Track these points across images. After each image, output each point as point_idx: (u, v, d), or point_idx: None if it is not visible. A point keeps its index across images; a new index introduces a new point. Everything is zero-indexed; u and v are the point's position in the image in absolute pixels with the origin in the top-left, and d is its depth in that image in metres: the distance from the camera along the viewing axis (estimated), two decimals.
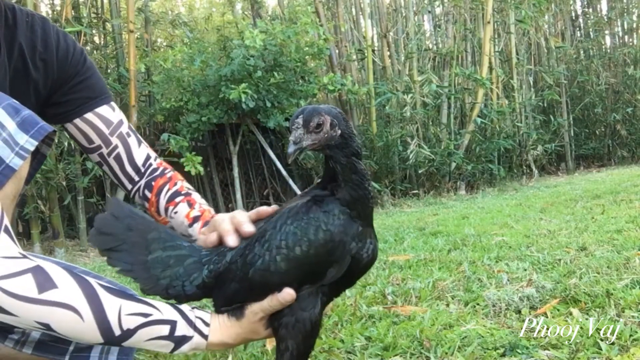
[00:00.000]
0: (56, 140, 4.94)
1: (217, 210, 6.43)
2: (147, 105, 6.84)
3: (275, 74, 5.69)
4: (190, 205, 1.35)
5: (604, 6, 10.49)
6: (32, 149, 0.98)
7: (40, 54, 1.30)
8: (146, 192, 1.40)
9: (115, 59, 6.33)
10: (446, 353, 1.50)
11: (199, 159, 5.39)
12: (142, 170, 1.43)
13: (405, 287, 2.15)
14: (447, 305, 1.92)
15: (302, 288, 1.04)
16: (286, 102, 5.95)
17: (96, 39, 6.49)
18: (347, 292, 2.19)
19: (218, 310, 1.10)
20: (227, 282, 1.06)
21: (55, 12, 5.72)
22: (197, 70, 5.93)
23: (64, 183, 4.90)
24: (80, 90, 1.37)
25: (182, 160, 5.33)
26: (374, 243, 1.08)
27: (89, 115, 1.37)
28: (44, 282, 0.93)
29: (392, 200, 6.31)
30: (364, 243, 1.04)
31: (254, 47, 5.47)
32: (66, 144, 4.91)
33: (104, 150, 1.39)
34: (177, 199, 1.37)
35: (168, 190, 1.39)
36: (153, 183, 1.40)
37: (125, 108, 6.01)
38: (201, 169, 5.37)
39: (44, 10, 5.76)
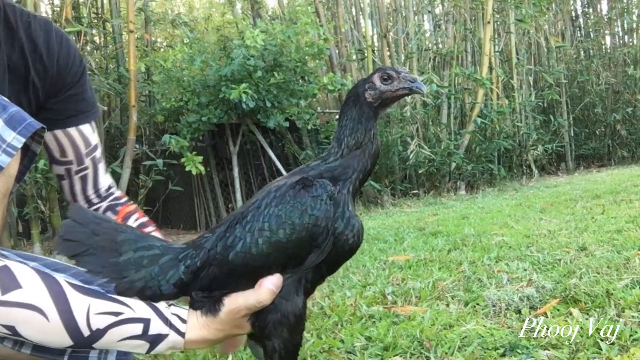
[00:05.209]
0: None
1: (217, 210, 6.33)
2: (147, 105, 6.85)
3: (275, 74, 5.69)
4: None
5: (604, 6, 10.51)
6: (19, 146, 0.96)
7: (40, 57, 1.29)
8: (109, 214, 1.44)
9: (115, 59, 6.34)
10: (446, 353, 1.50)
11: (200, 158, 5.39)
12: (104, 195, 1.47)
13: (405, 287, 2.15)
14: (447, 305, 1.92)
15: (283, 274, 1.01)
16: (286, 102, 5.95)
17: (96, 39, 6.50)
18: (347, 292, 2.19)
19: (193, 296, 1.06)
20: (205, 267, 1.02)
21: (55, 12, 5.72)
22: (197, 70, 5.93)
23: None
24: (72, 103, 1.36)
25: (182, 160, 5.34)
26: (359, 222, 1.05)
27: (72, 130, 1.37)
28: (9, 282, 0.90)
29: (392, 200, 6.31)
30: (347, 222, 1.02)
31: (254, 47, 5.47)
32: None
33: (73, 167, 1.40)
34: (148, 229, 1.40)
35: (137, 218, 1.43)
36: (118, 208, 1.44)
37: (125, 108, 6.02)
38: (202, 168, 5.37)
39: (44, 9, 5.76)
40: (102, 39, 6.66)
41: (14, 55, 1.25)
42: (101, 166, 1.46)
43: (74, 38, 5.05)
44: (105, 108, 6.03)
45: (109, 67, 6.34)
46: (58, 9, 5.61)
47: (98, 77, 5.30)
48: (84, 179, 1.43)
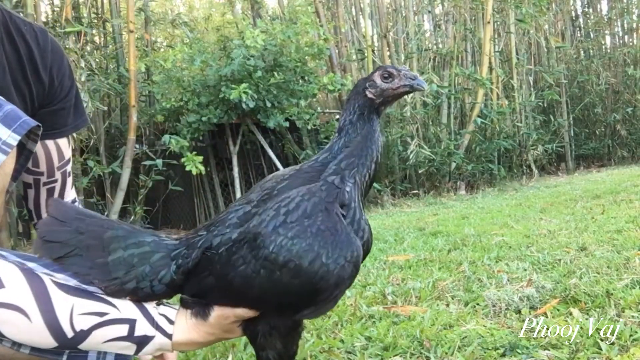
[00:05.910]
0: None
1: (218, 210, 6.34)
2: (147, 105, 6.85)
3: (275, 74, 5.69)
4: None
5: (604, 6, 10.51)
6: (15, 143, 0.95)
7: (35, 66, 1.29)
8: None
9: (115, 59, 6.33)
10: (446, 353, 1.49)
11: (200, 158, 5.39)
12: None
13: (405, 287, 2.15)
14: (447, 305, 1.92)
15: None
16: (286, 102, 5.95)
17: (96, 39, 6.49)
18: (347, 292, 2.19)
19: (184, 298, 1.02)
20: (205, 272, 0.98)
21: (55, 12, 5.72)
22: (197, 70, 5.93)
23: None
24: (58, 116, 1.36)
25: (182, 160, 5.34)
26: (369, 227, 1.01)
27: (49, 142, 1.35)
28: None
29: (392, 200, 6.31)
30: (359, 226, 0.97)
31: (254, 47, 5.47)
32: None
33: (43, 179, 1.39)
34: None
35: None
36: None
37: (125, 108, 6.02)
38: (202, 168, 5.37)
39: (44, 9, 5.76)
40: (102, 39, 6.65)
41: (12, 59, 1.25)
42: (69, 180, 1.45)
43: (74, 38, 5.05)
44: (105, 108, 6.03)
45: (109, 67, 6.33)
46: (58, 9, 5.60)
47: (98, 77, 5.30)
48: (50, 192, 1.41)
